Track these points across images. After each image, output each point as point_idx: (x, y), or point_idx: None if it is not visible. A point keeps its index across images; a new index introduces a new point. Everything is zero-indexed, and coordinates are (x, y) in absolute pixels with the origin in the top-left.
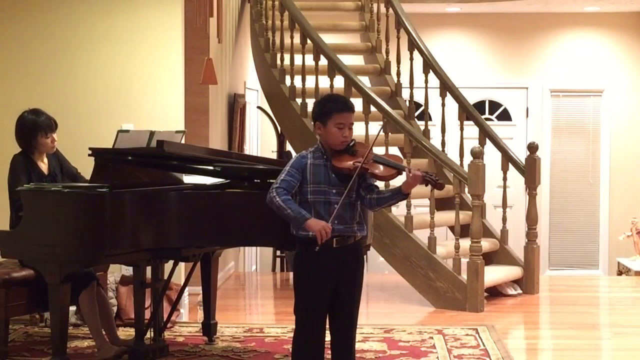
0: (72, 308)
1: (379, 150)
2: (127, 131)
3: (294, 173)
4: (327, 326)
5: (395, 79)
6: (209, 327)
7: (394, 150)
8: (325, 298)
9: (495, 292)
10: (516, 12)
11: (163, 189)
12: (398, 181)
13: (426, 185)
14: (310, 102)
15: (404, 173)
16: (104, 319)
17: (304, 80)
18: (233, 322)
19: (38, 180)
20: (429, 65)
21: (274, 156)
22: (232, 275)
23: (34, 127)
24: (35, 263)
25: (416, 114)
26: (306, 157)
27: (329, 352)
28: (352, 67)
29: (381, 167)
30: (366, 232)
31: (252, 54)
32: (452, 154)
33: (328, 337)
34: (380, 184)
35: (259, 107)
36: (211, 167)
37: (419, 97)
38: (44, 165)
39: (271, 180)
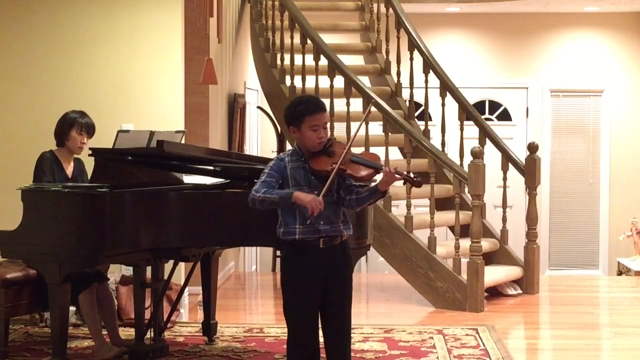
0: (72, 308)
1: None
2: (127, 131)
3: (273, 174)
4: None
5: (395, 79)
6: (209, 327)
7: (394, 151)
8: (314, 299)
9: (495, 292)
10: (516, 12)
11: (163, 189)
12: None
13: (404, 184)
14: None
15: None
16: (108, 318)
17: (304, 80)
18: (233, 322)
19: (61, 181)
20: (429, 65)
21: (274, 156)
22: (232, 275)
23: (72, 122)
24: (35, 263)
25: (416, 114)
26: (284, 159)
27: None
28: (352, 67)
29: (358, 167)
30: (352, 231)
31: (252, 54)
32: (452, 154)
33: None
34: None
35: (259, 107)
36: (211, 167)
37: (419, 97)
38: (69, 167)
39: None
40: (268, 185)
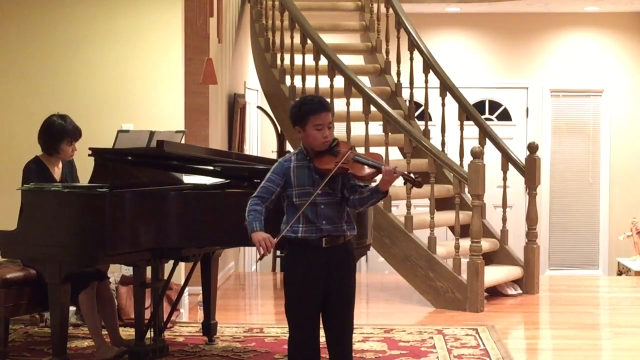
0: (72, 308)
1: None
2: (127, 131)
3: (274, 178)
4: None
5: (395, 79)
6: (209, 327)
7: (394, 151)
8: (315, 298)
9: (495, 292)
10: (516, 12)
11: (163, 188)
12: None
13: (405, 184)
14: None
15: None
16: (108, 318)
17: (304, 80)
18: (233, 322)
19: None
20: (429, 65)
21: (274, 156)
22: (232, 275)
23: (61, 133)
24: (35, 263)
25: (416, 114)
26: (289, 160)
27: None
28: (352, 67)
29: (360, 166)
30: (356, 231)
31: (252, 54)
32: (452, 154)
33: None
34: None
35: (259, 107)
36: (211, 167)
37: (419, 97)
38: (57, 170)
39: None
40: (266, 191)
